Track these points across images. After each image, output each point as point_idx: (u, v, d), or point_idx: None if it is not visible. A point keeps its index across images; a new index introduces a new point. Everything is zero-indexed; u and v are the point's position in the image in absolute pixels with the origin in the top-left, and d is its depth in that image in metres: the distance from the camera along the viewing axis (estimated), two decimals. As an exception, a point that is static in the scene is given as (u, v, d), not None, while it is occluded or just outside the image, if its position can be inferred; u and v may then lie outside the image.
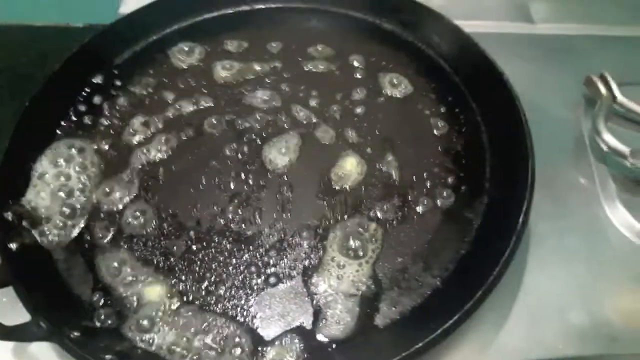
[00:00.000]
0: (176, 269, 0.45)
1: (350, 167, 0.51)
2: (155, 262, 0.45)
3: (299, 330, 0.42)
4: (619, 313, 0.46)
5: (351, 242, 0.46)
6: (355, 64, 0.61)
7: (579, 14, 0.71)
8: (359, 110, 0.56)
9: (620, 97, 0.57)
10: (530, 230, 0.49)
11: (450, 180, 0.50)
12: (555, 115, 0.59)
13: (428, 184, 0.50)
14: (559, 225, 0.51)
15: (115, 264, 0.45)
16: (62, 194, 0.49)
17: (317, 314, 0.43)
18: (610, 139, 0.53)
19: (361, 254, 0.45)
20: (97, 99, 0.57)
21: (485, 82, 0.55)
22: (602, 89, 0.58)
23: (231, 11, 0.66)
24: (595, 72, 0.59)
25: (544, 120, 0.52)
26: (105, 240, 0.47)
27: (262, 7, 0.66)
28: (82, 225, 0.48)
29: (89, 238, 0.47)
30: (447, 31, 0.60)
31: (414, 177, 0.51)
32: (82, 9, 0.84)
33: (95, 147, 0.53)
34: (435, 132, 0.55)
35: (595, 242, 0.50)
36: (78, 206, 0.48)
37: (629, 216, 0.51)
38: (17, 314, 0.41)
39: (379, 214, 0.48)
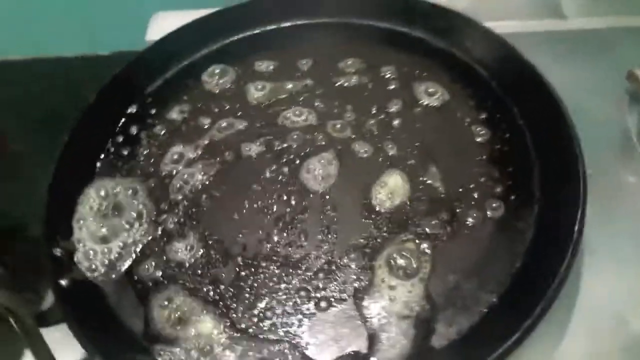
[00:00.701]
0: (226, 297, 0.45)
1: (393, 183, 0.50)
2: (204, 292, 0.45)
3: (355, 356, 0.41)
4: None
5: (401, 262, 0.45)
6: (388, 75, 0.60)
7: (613, 5, 0.68)
8: (396, 122, 0.55)
9: (666, 90, 0.55)
10: (584, 237, 0.47)
11: (498, 189, 0.49)
12: (599, 113, 0.57)
13: (476, 195, 0.49)
14: (612, 229, 0.49)
15: (165, 297, 0.45)
16: (107, 230, 0.49)
17: (372, 338, 0.41)
18: (660, 135, 0.51)
19: (412, 273, 0.44)
20: (133, 129, 0.57)
21: (524, 85, 0.54)
22: (647, 83, 0.56)
23: (258, 31, 0.66)
24: (637, 65, 0.57)
25: (588, 120, 0.50)
26: (153, 272, 0.47)
27: (289, 24, 0.66)
28: (130, 259, 0.48)
29: (137, 271, 0.47)
30: (478, 35, 0.59)
31: (460, 189, 0.49)
32: (109, 37, 0.85)
33: (137, 179, 0.53)
34: (477, 139, 0.53)
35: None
36: (126, 241, 0.48)
37: (685, 215, 0.49)
38: (73, 350, 0.41)
39: (427, 230, 0.47)
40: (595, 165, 0.50)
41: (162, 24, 0.70)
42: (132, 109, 0.59)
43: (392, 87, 0.59)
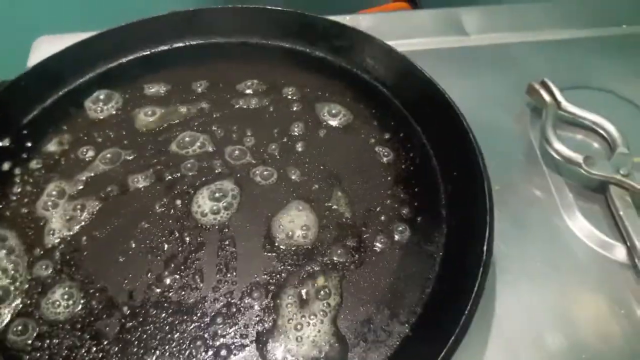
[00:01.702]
0: (111, 353, 0.39)
1: (296, 212, 0.46)
2: (86, 349, 0.39)
3: (260, 408, 0.37)
4: (594, 332, 0.43)
5: (307, 297, 0.41)
6: (290, 96, 0.57)
7: (512, 22, 0.71)
8: (299, 145, 0.52)
9: (564, 102, 0.56)
10: (495, 255, 0.46)
11: (405, 211, 0.47)
12: (502, 128, 0.57)
13: (382, 218, 0.46)
14: (522, 244, 0.48)
15: (36, 356, 0.38)
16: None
17: (279, 386, 0.38)
18: (562, 148, 0.51)
19: (320, 308, 0.40)
20: (6, 165, 0.50)
21: (426, 103, 0.53)
22: (546, 96, 0.56)
23: (148, 52, 0.61)
24: (537, 79, 0.58)
25: (492, 135, 0.49)
26: (26, 334, 0.40)
27: (181, 45, 0.62)
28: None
29: (7, 334, 0.40)
30: (380, 53, 0.58)
31: (366, 213, 0.47)
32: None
33: (8, 223, 0.46)
34: (382, 160, 0.51)
35: (560, 256, 0.48)
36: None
37: (589, 225, 0.49)
38: None
39: (334, 260, 0.44)
40: (502, 180, 0.50)
41: (47, 49, 0.63)
42: (4, 142, 0.52)
43: (294, 108, 0.56)
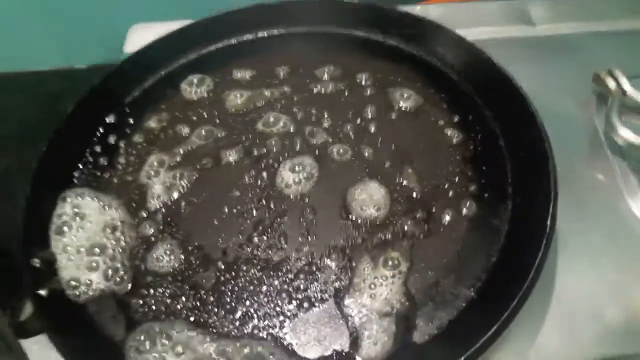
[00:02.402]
0: (208, 301, 0.45)
1: (371, 185, 0.51)
2: (185, 297, 0.45)
3: (337, 354, 0.41)
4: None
5: (380, 260, 0.45)
6: (363, 82, 0.61)
7: (579, 12, 0.71)
8: (372, 126, 0.56)
9: (630, 90, 0.57)
10: (557, 232, 0.48)
11: (472, 188, 0.50)
12: (568, 114, 0.59)
13: (450, 194, 0.50)
14: (584, 224, 0.50)
15: (143, 302, 0.45)
16: (84, 242, 0.48)
17: (354, 336, 0.42)
18: (626, 133, 0.53)
19: (392, 271, 0.45)
20: (112, 139, 0.57)
21: (494, 88, 0.55)
22: (612, 85, 0.58)
23: (235, 41, 0.66)
24: (603, 68, 0.60)
25: (558, 121, 0.51)
26: (134, 279, 0.47)
27: (265, 34, 0.67)
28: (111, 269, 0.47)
29: (117, 280, 0.47)
30: (450, 41, 0.61)
31: (435, 189, 0.50)
32: (86, 51, 0.85)
33: (115, 187, 0.53)
34: (451, 141, 0.55)
35: (622, 238, 0.50)
36: (106, 251, 0.48)
37: (654, 209, 0.51)
38: (53, 361, 0.40)
39: (405, 229, 0.48)
40: (565, 163, 0.51)
41: (140, 36, 0.71)
42: (110, 119, 0.59)
43: (368, 93, 0.60)
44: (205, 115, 0.59)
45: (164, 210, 0.51)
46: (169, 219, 0.50)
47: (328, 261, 0.46)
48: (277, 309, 0.44)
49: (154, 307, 0.45)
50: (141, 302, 0.45)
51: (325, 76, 0.62)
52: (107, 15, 0.89)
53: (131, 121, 0.59)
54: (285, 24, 0.67)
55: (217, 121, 0.58)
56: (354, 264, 0.46)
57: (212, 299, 0.45)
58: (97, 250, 0.48)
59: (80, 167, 0.55)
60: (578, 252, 0.49)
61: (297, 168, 0.53)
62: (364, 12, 0.65)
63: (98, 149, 0.56)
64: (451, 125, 0.56)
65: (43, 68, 0.77)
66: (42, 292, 0.45)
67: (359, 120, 0.57)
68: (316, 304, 0.44)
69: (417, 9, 0.71)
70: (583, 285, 0.47)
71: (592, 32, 0.68)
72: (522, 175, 0.50)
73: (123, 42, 0.73)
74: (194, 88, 0.62)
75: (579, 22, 0.70)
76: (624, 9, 0.71)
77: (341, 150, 0.54)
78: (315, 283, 0.45)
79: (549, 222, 0.43)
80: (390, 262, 0.45)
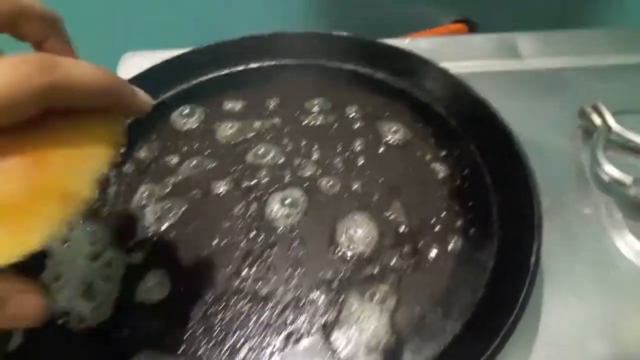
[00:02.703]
0: (196, 334, 0.45)
1: (359, 218, 0.51)
2: (173, 329, 0.45)
3: (324, 388, 0.42)
4: (637, 341, 0.46)
5: (368, 294, 0.46)
6: (353, 115, 0.62)
7: (566, 46, 0.74)
8: (360, 159, 0.57)
9: (615, 126, 0.59)
10: (543, 267, 0.49)
11: (458, 223, 0.51)
12: (554, 148, 0.60)
13: (437, 229, 0.51)
14: (570, 259, 0.51)
15: (132, 333, 0.45)
16: (73, 272, 0.48)
17: (341, 370, 0.42)
18: (611, 170, 0.54)
19: (379, 305, 0.45)
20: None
21: (480, 123, 0.57)
22: (597, 120, 0.59)
23: (227, 72, 0.68)
24: (589, 103, 0.61)
25: (543, 155, 0.53)
26: (122, 310, 0.46)
27: (256, 65, 0.68)
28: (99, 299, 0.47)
29: (105, 311, 0.46)
30: (436, 76, 0.62)
31: (422, 223, 0.51)
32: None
33: (104, 218, 0.53)
34: (437, 176, 0.56)
35: (607, 273, 0.50)
36: (95, 279, 0.48)
37: (638, 245, 0.51)
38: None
39: (392, 263, 0.48)
40: (551, 199, 0.53)
41: (132, 64, 0.72)
42: (100, 148, 0.59)
43: (357, 126, 0.61)
44: (196, 146, 0.59)
45: (153, 240, 0.51)
46: (158, 250, 0.51)
47: (316, 294, 0.46)
48: (265, 341, 0.44)
49: (142, 338, 0.45)
50: (129, 333, 0.45)
51: (315, 108, 0.63)
52: (100, 43, 0.90)
53: (122, 151, 0.59)
54: (276, 55, 0.68)
55: (208, 152, 0.59)
56: (341, 297, 0.46)
57: (200, 330, 0.45)
58: (85, 280, 0.47)
59: (70, 195, 0.55)
60: (564, 287, 0.49)
61: (286, 200, 0.53)
62: (353, 46, 0.67)
63: (88, 178, 0.56)
64: (438, 160, 0.57)
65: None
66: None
67: (347, 153, 0.58)
68: (304, 337, 0.44)
69: (406, 42, 0.73)
70: (568, 319, 0.47)
71: (579, 67, 0.70)
72: (507, 211, 0.51)
73: (115, 70, 0.74)
74: (185, 118, 0.62)
75: (566, 56, 0.72)
76: (610, 45, 0.73)
77: (330, 183, 0.55)
78: (303, 316, 0.45)
79: (533, 259, 0.44)
80: (377, 296, 0.46)
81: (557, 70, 0.70)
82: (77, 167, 0.35)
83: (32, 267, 0.47)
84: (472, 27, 0.89)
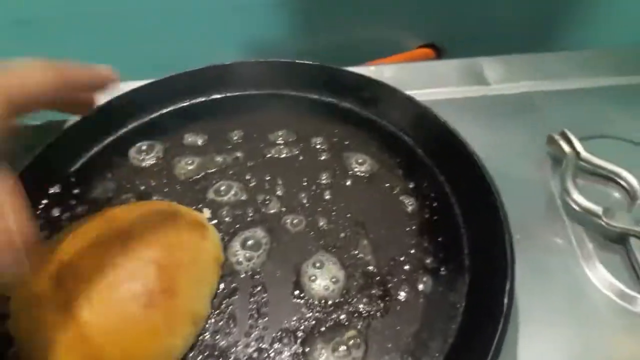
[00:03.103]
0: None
1: (325, 259, 0.49)
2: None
3: None
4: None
5: (334, 344, 0.43)
6: (318, 146, 0.60)
7: (532, 71, 0.73)
8: (327, 194, 0.55)
9: (583, 153, 0.57)
10: (517, 303, 0.47)
11: (428, 261, 0.49)
12: (523, 176, 0.59)
13: (407, 268, 0.48)
14: (543, 293, 0.49)
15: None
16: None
17: None
18: (581, 199, 0.53)
19: (346, 357, 0.43)
20: (55, 211, 0.54)
21: (447, 152, 0.55)
22: (565, 147, 0.58)
23: (187, 104, 0.65)
24: (557, 128, 0.60)
25: (513, 184, 0.51)
26: None
27: (219, 96, 0.66)
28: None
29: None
30: (402, 104, 0.60)
31: (391, 262, 0.49)
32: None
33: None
34: (407, 209, 0.54)
35: (581, 307, 0.49)
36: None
37: (609, 276, 0.50)
38: None
39: (360, 308, 0.46)
40: (522, 229, 0.51)
41: (90, 97, 0.69)
42: (55, 189, 0.56)
43: (323, 157, 0.59)
44: (154, 184, 0.57)
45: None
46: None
47: (279, 345, 0.44)
48: (225, 402, 0.41)
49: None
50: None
51: (280, 140, 0.61)
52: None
53: (76, 191, 0.56)
54: (239, 86, 0.66)
55: (166, 190, 0.56)
56: (306, 349, 0.43)
57: (155, 391, 0.42)
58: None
59: (18, 243, 0.52)
60: (538, 324, 0.47)
61: (248, 242, 0.51)
62: (317, 74, 0.65)
63: (40, 222, 0.53)
64: (406, 192, 0.55)
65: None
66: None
67: (313, 187, 0.56)
68: (266, 396, 0.41)
69: (371, 70, 0.71)
70: (544, 354, 0.46)
71: (546, 91, 0.69)
72: (478, 245, 0.49)
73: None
74: (142, 155, 0.59)
75: (533, 81, 0.71)
76: (578, 68, 0.72)
77: (295, 221, 0.53)
78: (266, 372, 0.42)
79: (505, 300, 0.42)
80: (344, 347, 0.43)
81: (524, 95, 0.69)
82: (198, 291, 0.44)
83: None
84: (439, 52, 0.88)
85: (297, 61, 0.65)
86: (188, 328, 0.43)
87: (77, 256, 0.42)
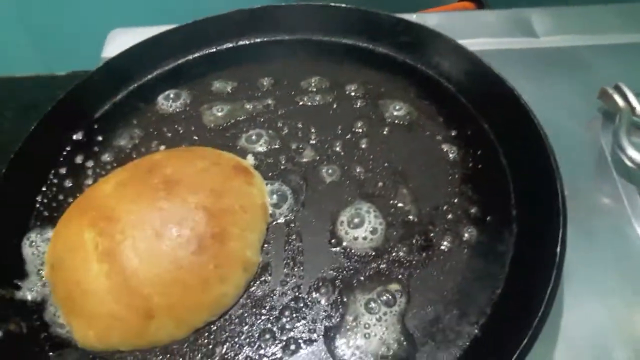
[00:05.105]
0: (184, 343, 0.40)
1: (362, 208, 0.46)
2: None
3: (328, 403, 0.37)
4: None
5: (374, 294, 0.41)
6: (353, 93, 0.57)
7: (584, 24, 0.68)
8: (363, 142, 0.52)
9: (639, 108, 0.53)
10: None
11: (473, 210, 0.46)
12: (572, 132, 0.55)
13: (449, 217, 0.46)
14: (590, 253, 0.47)
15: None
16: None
17: (347, 382, 0.38)
18: (636, 155, 0.49)
19: (388, 306, 0.40)
20: (79, 158, 0.53)
21: (494, 100, 0.52)
22: (620, 101, 0.54)
23: (214, 50, 0.62)
24: (609, 83, 0.56)
25: (561, 139, 0.47)
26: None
27: (247, 42, 0.63)
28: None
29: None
30: (447, 50, 0.57)
31: (433, 211, 0.46)
32: (64, 57, 0.80)
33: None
34: (448, 157, 0.50)
35: (629, 266, 0.46)
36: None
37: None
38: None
39: (401, 258, 0.43)
40: (571, 186, 0.47)
41: (119, 42, 0.67)
42: (77, 136, 0.54)
43: (358, 105, 0.56)
44: (182, 131, 0.54)
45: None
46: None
47: (316, 295, 0.42)
48: (261, 351, 0.39)
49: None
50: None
51: (312, 88, 0.58)
52: (87, 19, 0.85)
53: (100, 138, 0.54)
54: (269, 31, 0.62)
55: (195, 137, 0.54)
56: (345, 298, 0.41)
57: (191, 339, 0.40)
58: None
59: (44, 189, 0.50)
60: (584, 284, 0.45)
61: (282, 189, 0.48)
62: (352, 18, 0.61)
63: (63, 170, 0.51)
64: (448, 140, 0.52)
65: (20, 74, 0.73)
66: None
67: (348, 136, 0.53)
68: (304, 346, 0.39)
69: (413, 17, 0.67)
70: (591, 322, 0.43)
71: (598, 45, 0.65)
72: (526, 196, 0.46)
73: (102, 47, 0.69)
74: (169, 101, 0.57)
75: (584, 35, 0.66)
76: (629, 22, 0.67)
77: (330, 170, 0.50)
78: (303, 321, 0.40)
79: (558, 250, 0.39)
80: (385, 296, 0.41)
81: (575, 49, 0.64)
82: (248, 237, 0.42)
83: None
84: (481, 6, 0.82)
85: (330, 4, 0.61)
86: (239, 275, 0.41)
87: (119, 203, 0.41)
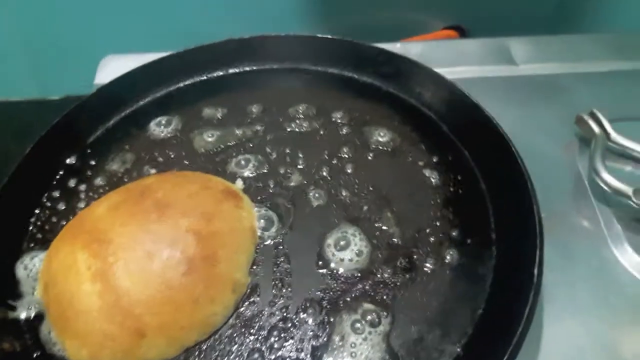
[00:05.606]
0: (172, 363, 0.41)
1: (348, 231, 0.48)
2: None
3: (315, 421, 0.38)
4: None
5: (360, 314, 0.42)
6: (339, 120, 0.59)
7: (560, 53, 0.71)
8: (349, 167, 0.54)
9: (613, 134, 0.56)
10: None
11: (454, 233, 0.48)
12: (550, 157, 0.58)
13: (432, 240, 0.48)
14: (569, 273, 0.48)
15: None
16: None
17: (333, 400, 0.39)
18: (610, 179, 0.51)
19: (373, 327, 0.42)
20: (72, 182, 0.54)
21: (473, 127, 0.54)
22: (595, 128, 0.57)
23: (205, 77, 0.64)
24: (585, 110, 0.59)
25: (539, 164, 0.49)
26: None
27: (237, 70, 0.65)
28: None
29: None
30: (428, 79, 0.59)
31: (416, 234, 0.48)
32: (58, 82, 0.81)
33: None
34: (430, 182, 0.52)
35: (608, 288, 0.48)
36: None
37: (638, 257, 0.49)
38: None
39: (386, 279, 0.45)
40: (548, 209, 0.49)
41: (112, 68, 0.69)
42: (71, 160, 0.56)
43: (343, 132, 0.58)
44: (173, 156, 0.56)
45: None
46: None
47: (304, 316, 0.43)
48: (249, 370, 0.40)
49: None
50: None
51: (299, 114, 0.60)
52: (80, 45, 0.87)
53: (93, 163, 0.56)
54: (258, 60, 0.65)
55: (186, 162, 0.55)
56: (331, 319, 0.42)
57: (181, 358, 0.41)
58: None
59: (38, 212, 0.51)
60: (564, 304, 0.47)
61: (270, 212, 0.50)
62: (338, 49, 0.63)
63: (57, 194, 0.53)
64: (430, 166, 0.54)
65: (16, 98, 0.74)
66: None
67: (334, 161, 0.55)
68: (292, 365, 0.40)
69: (397, 47, 0.70)
70: (570, 341, 0.44)
71: (575, 73, 0.68)
72: (505, 219, 0.48)
73: (95, 74, 0.71)
74: (160, 127, 0.59)
75: (562, 63, 0.70)
76: (605, 50, 0.70)
77: (317, 194, 0.52)
78: (291, 341, 0.42)
79: (536, 271, 0.41)
80: (370, 317, 0.42)
81: (552, 76, 0.67)
82: (237, 259, 0.44)
83: None
84: (463, 34, 0.86)
85: (317, 35, 0.63)
86: (228, 296, 0.42)
87: (111, 226, 0.42)
